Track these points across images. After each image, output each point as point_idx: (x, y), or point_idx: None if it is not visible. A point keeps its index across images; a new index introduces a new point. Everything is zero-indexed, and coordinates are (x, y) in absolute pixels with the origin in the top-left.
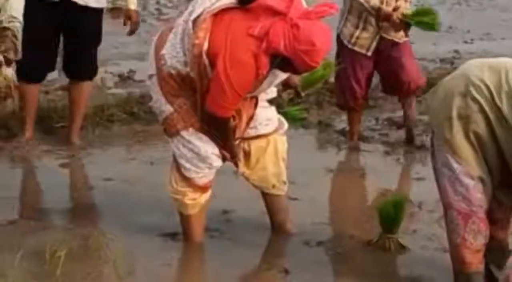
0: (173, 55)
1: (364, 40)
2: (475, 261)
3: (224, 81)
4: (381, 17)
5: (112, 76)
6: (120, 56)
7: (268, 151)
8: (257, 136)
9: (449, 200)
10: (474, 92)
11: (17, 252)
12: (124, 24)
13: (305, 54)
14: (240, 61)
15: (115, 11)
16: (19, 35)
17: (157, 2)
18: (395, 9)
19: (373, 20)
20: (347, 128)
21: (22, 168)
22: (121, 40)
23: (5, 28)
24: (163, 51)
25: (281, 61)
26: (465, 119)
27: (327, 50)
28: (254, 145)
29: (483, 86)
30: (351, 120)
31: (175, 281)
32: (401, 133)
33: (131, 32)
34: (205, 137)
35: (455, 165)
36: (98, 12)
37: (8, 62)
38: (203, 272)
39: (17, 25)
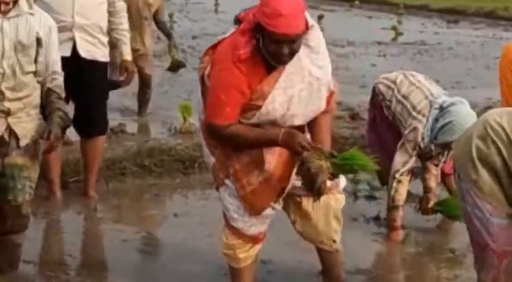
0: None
1: None
2: None
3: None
4: None
5: None
6: None
7: (318, 207)
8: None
9: (484, 241)
10: (492, 135)
11: None
12: (120, 74)
13: (269, 18)
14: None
15: None
16: (63, 93)
17: None
18: None
19: None
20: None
21: (50, 224)
22: None
23: (50, 91)
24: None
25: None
26: (486, 160)
27: (297, 16)
28: (305, 198)
29: (500, 130)
30: None
31: None
32: None
33: (128, 83)
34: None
35: (486, 206)
36: (105, 66)
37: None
38: None
39: (61, 82)
